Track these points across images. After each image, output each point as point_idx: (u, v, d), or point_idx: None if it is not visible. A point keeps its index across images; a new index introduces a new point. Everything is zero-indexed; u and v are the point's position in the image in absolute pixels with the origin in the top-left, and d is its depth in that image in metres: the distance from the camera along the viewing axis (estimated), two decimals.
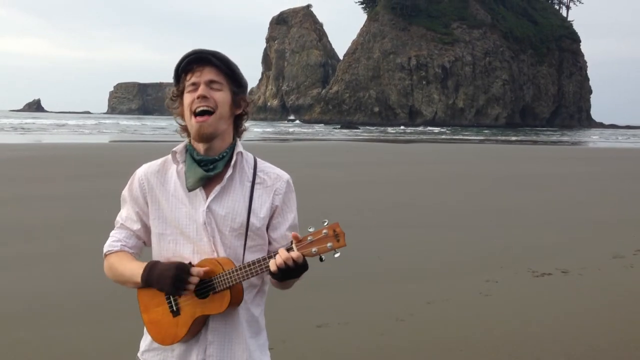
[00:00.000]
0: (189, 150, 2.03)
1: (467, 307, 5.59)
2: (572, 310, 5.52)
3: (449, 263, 7.19)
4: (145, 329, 2.08)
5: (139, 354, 2.10)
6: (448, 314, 5.38)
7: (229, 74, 2.00)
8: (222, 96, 1.98)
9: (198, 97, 1.95)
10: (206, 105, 1.95)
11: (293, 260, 1.86)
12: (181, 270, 1.90)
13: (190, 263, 1.95)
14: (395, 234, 8.75)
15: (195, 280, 1.91)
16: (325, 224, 1.87)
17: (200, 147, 2.00)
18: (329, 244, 1.85)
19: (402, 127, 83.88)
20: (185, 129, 2.05)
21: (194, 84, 1.97)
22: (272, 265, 1.88)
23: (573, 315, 5.40)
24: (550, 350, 4.62)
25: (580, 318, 5.34)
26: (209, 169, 1.98)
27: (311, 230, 1.88)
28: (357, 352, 4.55)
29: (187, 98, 1.99)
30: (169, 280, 1.90)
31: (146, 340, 2.08)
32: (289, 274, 1.88)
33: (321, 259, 1.88)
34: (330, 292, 5.77)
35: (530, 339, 4.83)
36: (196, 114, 1.96)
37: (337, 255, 1.87)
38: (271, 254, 1.91)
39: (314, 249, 1.85)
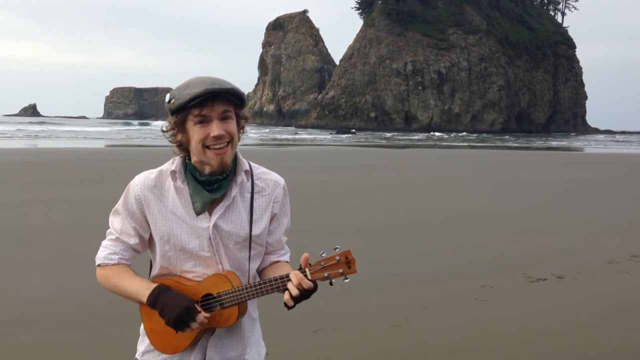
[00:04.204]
0: (190, 169, 1.99)
1: (463, 312, 5.60)
2: (567, 316, 5.53)
3: (444, 268, 7.20)
4: (142, 331, 2.10)
5: (137, 356, 2.11)
6: (443, 319, 5.38)
7: (238, 104, 1.99)
8: (233, 125, 1.96)
9: (214, 137, 1.91)
10: (223, 143, 1.93)
11: (305, 289, 1.88)
12: (188, 313, 1.90)
13: (198, 302, 1.95)
14: (391, 239, 8.76)
15: (195, 326, 1.92)
16: (337, 250, 1.91)
17: (206, 168, 1.97)
18: (340, 270, 1.91)
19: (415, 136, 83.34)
20: (180, 147, 2.00)
21: (204, 116, 1.91)
22: (288, 300, 1.88)
23: (568, 320, 5.41)
24: (546, 355, 4.62)
25: (575, 323, 5.35)
26: (213, 189, 1.97)
27: (324, 255, 1.92)
28: (353, 358, 4.55)
29: (198, 132, 1.92)
30: (173, 317, 1.90)
31: (145, 342, 2.09)
32: (300, 299, 1.90)
33: (331, 284, 1.93)
34: (325, 297, 5.76)
35: (526, 344, 4.84)
36: (212, 149, 1.93)
37: (347, 281, 1.93)
38: (283, 277, 1.92)
39: (326, 274, 1.90)
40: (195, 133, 1.93)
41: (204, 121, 1.92)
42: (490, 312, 5.61)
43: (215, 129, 1.91)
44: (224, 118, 1.94)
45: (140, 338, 2.12)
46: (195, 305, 1.93)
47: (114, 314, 5.17)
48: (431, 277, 6.81)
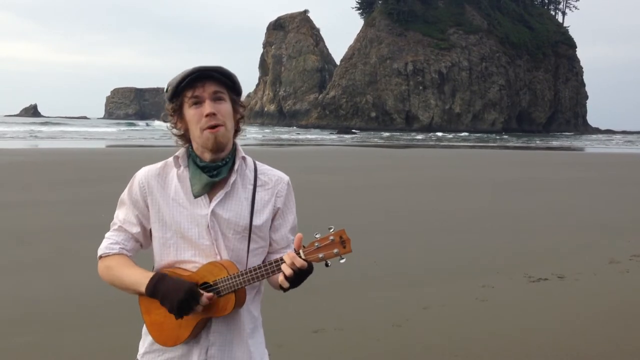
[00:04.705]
0: (192, 156, 2.03)
1: (464, 312, 5.59)
2: (567, 316, 5.53)
3: (445, 268, 7.20)
4: (144, 330, 2.09)
5: (138, 356, 2.10)
6: (444, 319, 5.38)
7: (230, 85, 2.03)
8: (226, 107, 2.00)
9: (207, 115, 1.95)
10: (215, 122, 1.96)
11: (299, 268, 1.87)
12: (190, 296, 1.90)
13: (196, 284, 1.94)
14: (391, 239, 8.76)
15: (200, 309, 1.92)
16: (332, 230, 1.89)
17: (207, 155, 2.01)
18: (335, 250, 1.88)
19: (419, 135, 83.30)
20: (182, 137, 2.05)
21: (196, 97, 1.97)
22: (283, 281, 1.88)
23: (569, 320, 5.41)
24: (547, 355, 4.62)
25: (575, 323, 5.35)
26: (213, 174, 2.00)
27: (318, 236, 1.90)
28: (354, 358, 4.54)
29: (193, 114, 1.97)
30: (176, 304, 1.89)
31: (146, 342, 2.08)
32: (295, 281, 1.89)
33: (327, 265, 1.90)
34: (326, 297, 5.77)
35: (527, 344, 4.84)
36: (207, 128, 1.97)
37: (342, 261, 1.90)
38: (277, 260, 1.92)
39: (320, 255, 1.88)
40: (191, 116, 1.98)
41: (198, 102, 1.97)
42: (491, 312, 5.61)
43: (207, 107, 1.96)
44: (216, 99, 1.98)
45: (142, 338, 2.12)
46: (196, 286, 1.92)
47: (114, 314, 5.18)
48: (432, 277, 6.81)
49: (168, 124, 2.06)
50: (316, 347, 4.70)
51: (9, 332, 4.88)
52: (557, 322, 5.33)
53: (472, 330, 5.10)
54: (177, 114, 2.02)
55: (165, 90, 2.02)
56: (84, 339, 4.78)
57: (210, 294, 1.93)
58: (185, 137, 2.05)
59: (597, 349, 4.76)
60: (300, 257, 1.87)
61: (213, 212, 2.00)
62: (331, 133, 75.98)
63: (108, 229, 2.12)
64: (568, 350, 4.71)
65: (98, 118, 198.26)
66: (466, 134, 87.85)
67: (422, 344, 4.80)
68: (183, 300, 1.89)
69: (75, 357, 4.46)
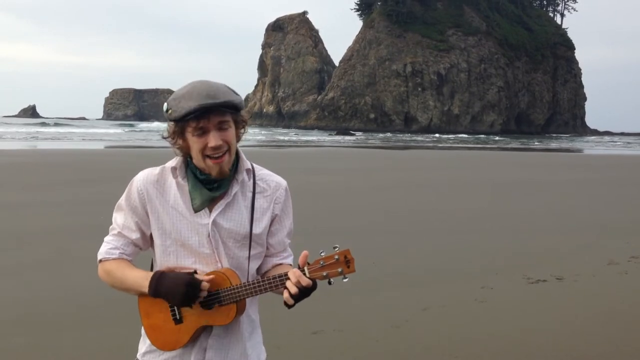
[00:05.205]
0: (191, 168, 2.01)
1: (463, 313, 5.60)
2: (566, 317, 5.54)
3: (444, 269, 7.21)
4: (144, 332, 2.09)
5: (138, 356, 2.12)
6: (444, 320, 5.39)
7: (234, 112, 1.99)
8: (230, 134, 1.97)
9: (212, 147, 1.93)
10: (221, 152, 1.95)
11: (304, 287, 1.89)
12: (192, 287, 1.91)
13: (195, 271, 1.96)
14: (391, 240, 8.76)
15: (204, 294, 1.94)
16: (337, 249, 1.91)
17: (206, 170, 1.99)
18: (339, 269, 1.91)
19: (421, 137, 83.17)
20: (181, 149, 2.02)
21: (201, 128, 1.93)
22: (288, 298, 1.89)
23: (567, 321, 5.42)
24: (546, 356, 4.63)
25: (574, 324, 5.35)
26: (213, 187, 1.99)
27: (323, 254, 1.92)
28: (353, 359, 4.55)
29: (196, 142, 1.94)
30: (180, 297, 1.91)
31: (146, 342, 2.10)
32: (299, 297, 1.91)
33: (330, 283, 1.93)
34: (325, 299, 5.77)
35: (526, 345, 4.84)
36: (211, 158, 1.95)
37: (345, 280, 1.93)
38: (281, 275, 1.93)
39: (324, 273, 1.90)
40: (194, 143, 1.96)
41: (202, 132, 1.94)
42: (490, 313, 5.62)
43: (212, 139, 1.93)
44: (220, 128, 1.95)
45: (141, 338, 2.13)
46: (194, 275, 1.94)
47: (114, 314, 5.18)
48: (431, 278, 6.82)
49: (168, 139, 2.02)
50: (315, 349, 4.71)
51: (9, 332, 4.89)
52: (556, 323, 5.33)
53: (472, 331, 5.11)
54: (179, 134, 1.99)
55: (165, 110, 1.97)
56: (84, 339, 4.78)
57: (210, 276, 1.94)
58: (184, 150, 2.02)
59: (596, 349, 4.77)
60: (305, 274, 1.89)
61: (214, 222, 2.00)
62: (330, 134, 75.94)
63: (108, 230, 2.12)
64: (567, 351, 4.72)
65: (96, 119, 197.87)
66: (465, 135, 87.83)
67: (421, 345, 4.81)
68: (185, 293, 1.90)
69: (75, 357, 4.46)
